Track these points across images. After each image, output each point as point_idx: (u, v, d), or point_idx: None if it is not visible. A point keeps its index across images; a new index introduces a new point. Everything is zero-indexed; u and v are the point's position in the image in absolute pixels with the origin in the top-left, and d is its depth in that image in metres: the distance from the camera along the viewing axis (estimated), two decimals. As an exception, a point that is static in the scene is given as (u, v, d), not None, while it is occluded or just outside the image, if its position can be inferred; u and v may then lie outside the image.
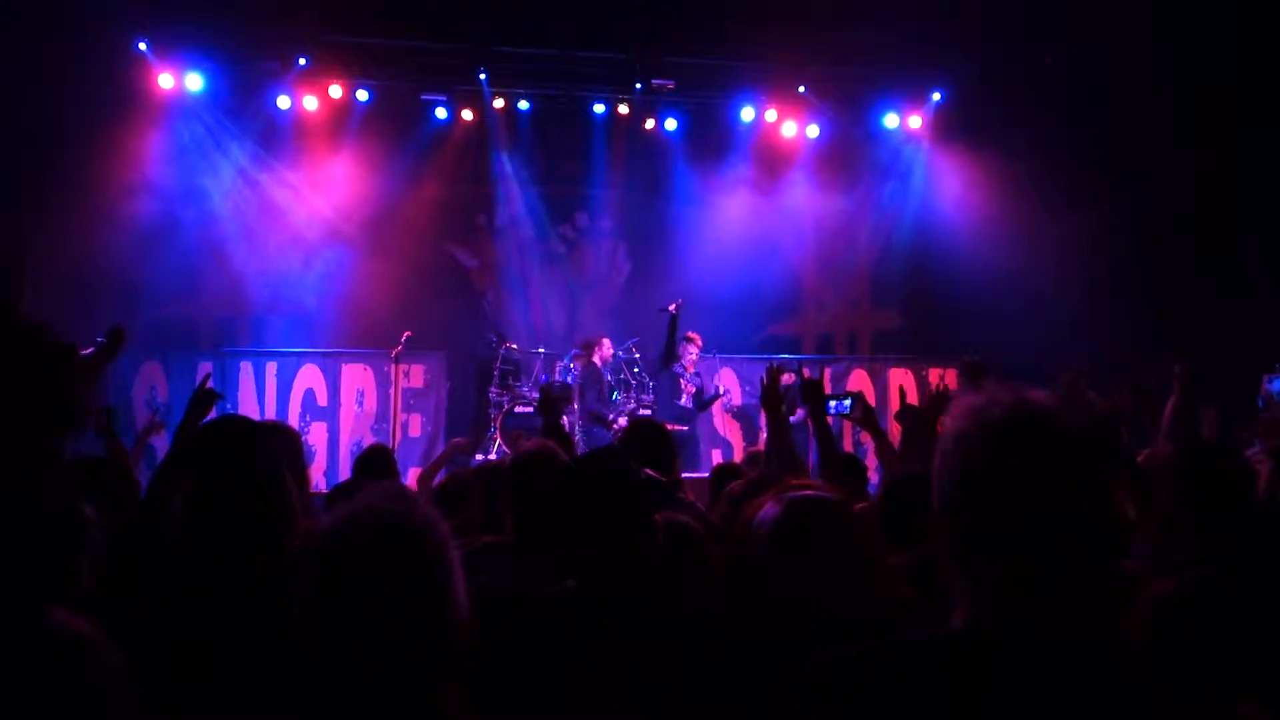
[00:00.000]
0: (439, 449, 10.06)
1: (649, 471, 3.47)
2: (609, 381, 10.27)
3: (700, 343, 10.18)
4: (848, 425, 10.12)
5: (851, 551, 1.99)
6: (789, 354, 11.46)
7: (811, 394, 3.90)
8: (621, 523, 2.29)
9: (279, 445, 2.39)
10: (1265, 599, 2.36)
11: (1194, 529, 2.79)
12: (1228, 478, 2.75)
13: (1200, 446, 2.84)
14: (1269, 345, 8.89)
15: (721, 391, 10.73)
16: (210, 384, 3.63)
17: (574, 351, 10.73)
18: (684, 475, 7.12)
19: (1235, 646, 2.05)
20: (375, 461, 4.70)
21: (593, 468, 2.45)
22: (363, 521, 1.30)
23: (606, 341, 10.22)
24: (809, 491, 2.10)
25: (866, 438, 10.54)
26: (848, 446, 10.50)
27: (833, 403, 4.07)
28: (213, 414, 3.29)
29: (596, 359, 10.11)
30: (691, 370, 10.10)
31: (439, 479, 4.73)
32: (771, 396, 3.86)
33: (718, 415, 11.03)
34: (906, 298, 12.11)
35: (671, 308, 9.99)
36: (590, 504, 2.32)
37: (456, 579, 1.33)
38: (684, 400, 10.03)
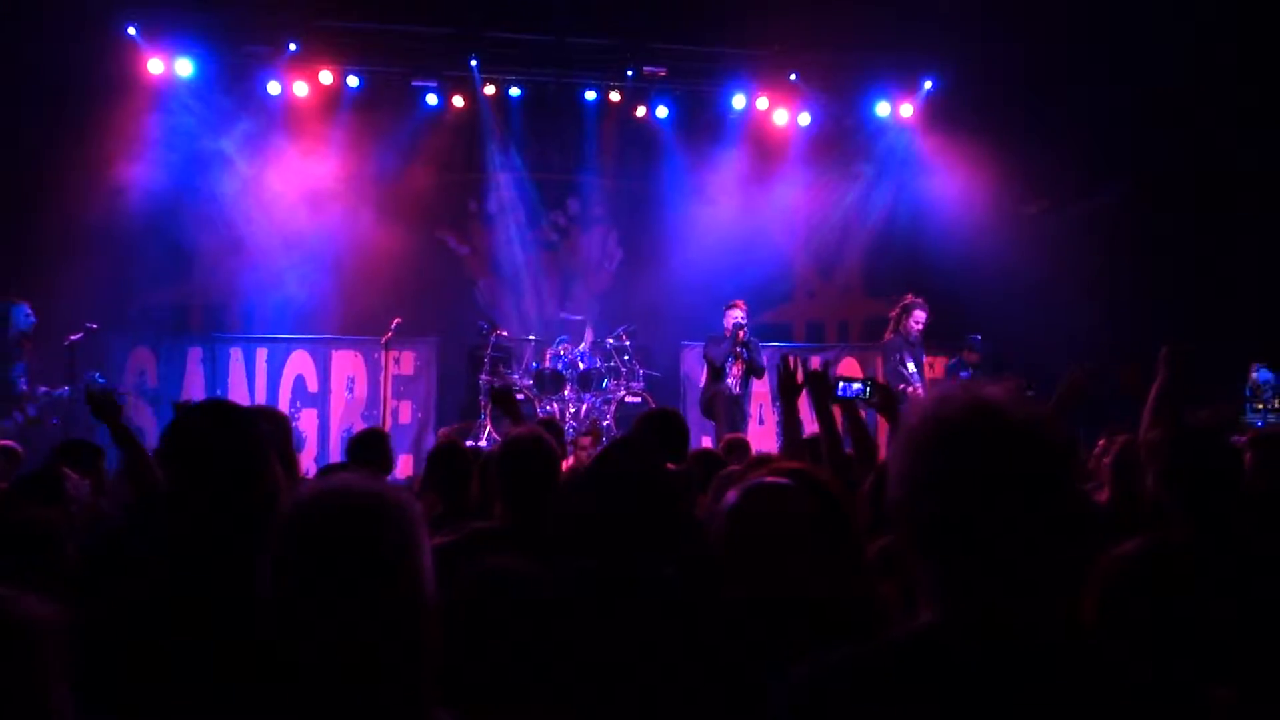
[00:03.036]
0: (429, 436, 10.07)
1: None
2: (897, 357, 8.81)
3: (744, 306, 9.11)
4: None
5: (812, 539, 1.97)
6: (780, 342, 11.47)
7: (816, 385, 3.92)
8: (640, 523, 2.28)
9: (265, 430, 2.39)
10: (1234, 575, 2.39)
11: (1183, 513, 2.81)
12: (1218, 462, 2.76)
13: (1190, 431, 2.84)
14: (1257, 335, 8.93)
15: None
16: (100, 381, 3.61)
17: (563, 338, 10.70)
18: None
19: (1189, 617, 2.06)
20: (369, 444, 4.68)
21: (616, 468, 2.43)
22: (330, 496, 1.30)
23: (918, 313, 8.90)
24: (771, 479, 2.07)
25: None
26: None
27: (841, 383, 4.08)
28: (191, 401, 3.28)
29: (903, 329, 8.91)
30: (742, 337, 8.95)
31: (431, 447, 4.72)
32: (788, 387, 3.88)
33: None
34: (898, 286, 12.09)
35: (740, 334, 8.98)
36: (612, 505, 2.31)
37: (425, 556, 1.33)
38: (730, 381, 8.98)
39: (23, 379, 7.59)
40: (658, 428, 4.05)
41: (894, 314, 8.98)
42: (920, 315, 8.86)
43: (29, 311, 7.74)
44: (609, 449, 2.44)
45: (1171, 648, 2.03)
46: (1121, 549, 2.22)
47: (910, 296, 9.08)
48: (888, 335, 9.03)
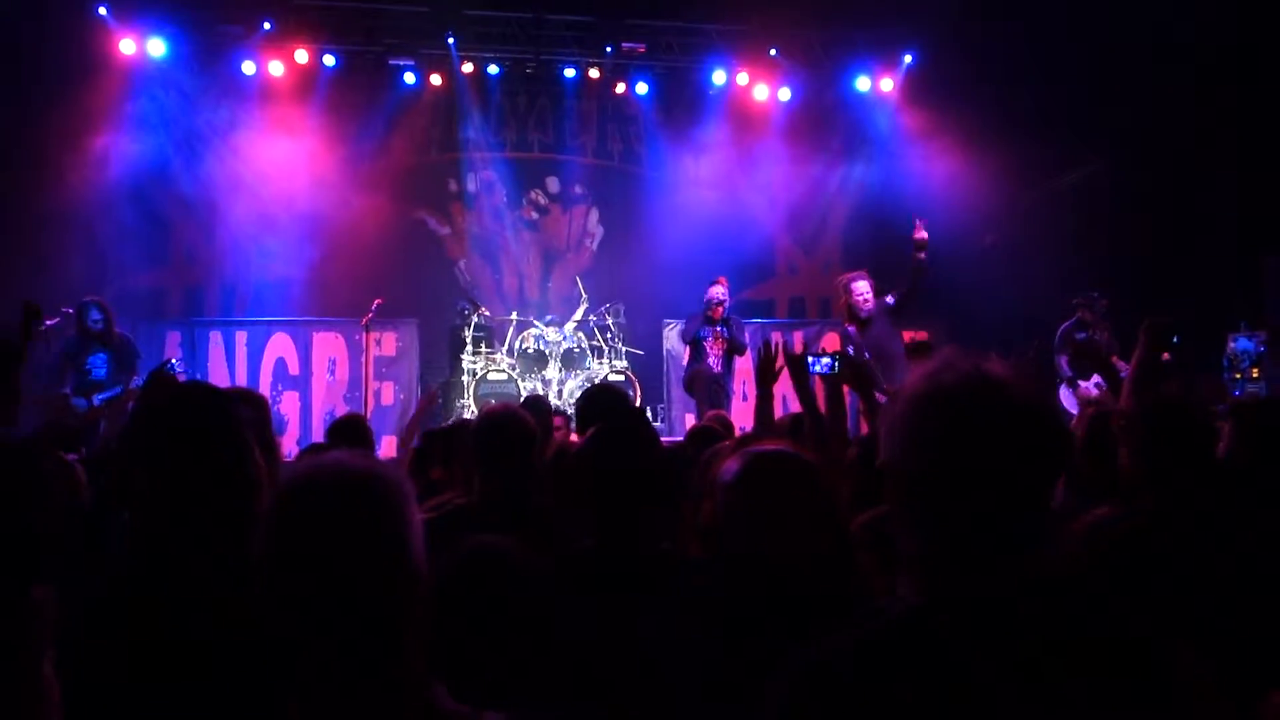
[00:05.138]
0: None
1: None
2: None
3: (725, 283, 8.75)
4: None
5: (811, 507, 2.01)
6: (762, 318, 11.49)
7: (795, 367, 3.92)
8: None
9: (244, 412, 2.38)
10: (1201, 543, 2.41)
11: (1156, 484, 2.83)
12: (1191, 434, 2.78)
13: (1165, 403, 2.86)
14: (1234, 305, 9.01)
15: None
16: (177, 363, 3.61)
17: (551, 318, 10.68)
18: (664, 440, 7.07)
19: (1156, 583, 2.09)
20: (349, 429, 4.66)
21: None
22: (321, 473, 1.31)
23: (856, 285, 7.88)
24: (771, 446, 2.10)
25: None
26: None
27: (810, 359, 4.07)
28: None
29: (853, 310, 7.96)
30: (720, 314, 8.62)
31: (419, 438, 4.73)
32: (765, 371, 3.89)
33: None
34: (878, 261, 12.11)
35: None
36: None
37: (416, 534, 1.34)
38: (711, 360, 8.66)
39: (101, 369, 7.97)
40: (596, 406, 4.02)
41: (840, 303, 8.04)
42: (859, 286, 7.78)
43: (97, 316, 8.02)
44: (599, 444, 2.42)
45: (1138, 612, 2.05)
46: (1091, 516, 2.25)
47: (843, 275, 8.17)
48: (845, 325, 8.08)
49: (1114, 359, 8.24)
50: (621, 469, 2.29)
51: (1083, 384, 8.35)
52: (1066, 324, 8.65)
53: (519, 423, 3.01)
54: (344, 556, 1.27)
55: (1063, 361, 8.53)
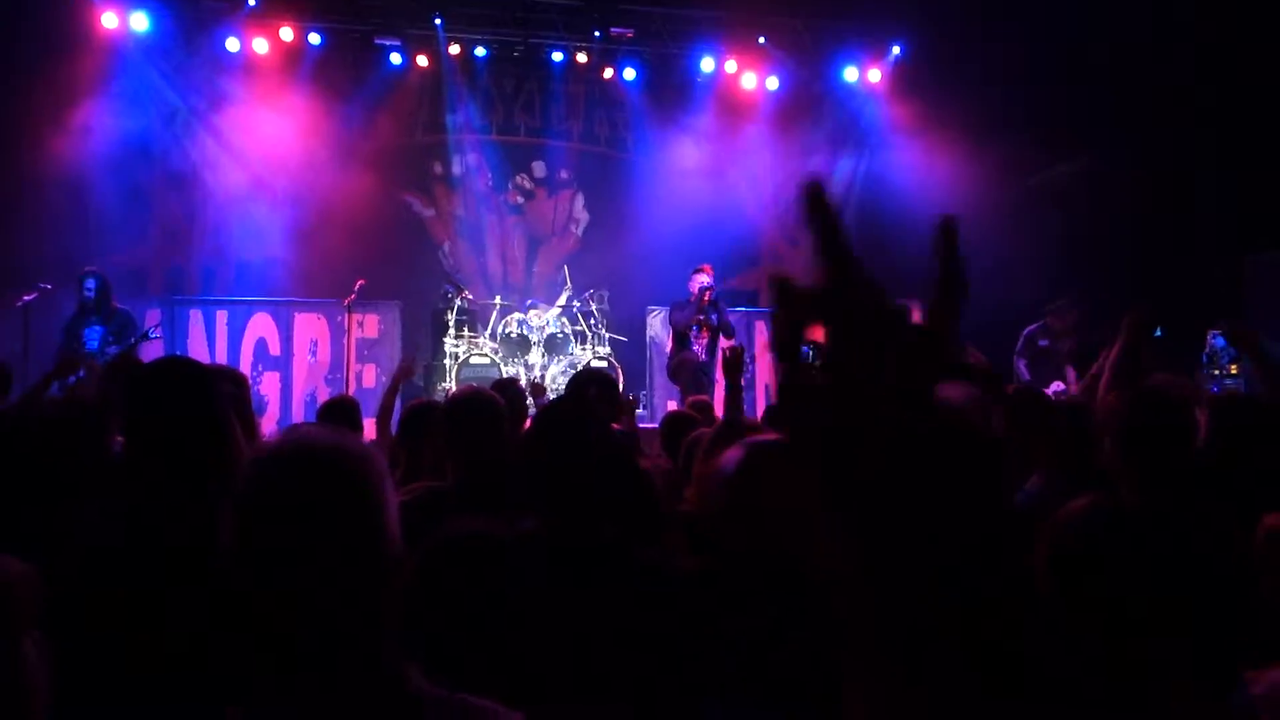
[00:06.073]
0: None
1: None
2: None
3: (710, 271, 8.66)
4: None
5: (809, 496, 2.00)
6: (746, 307, 11.48)
7: (731, 368, 3.95)
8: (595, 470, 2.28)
9: (224, 389, 2.36)
10: (1185, 536, 2.43)
11: (1139, 475, 2.85)
12: (1170, 428, 2.80)
13: (1145, 397, 2.88)
14: (1214, 303, 9.06)
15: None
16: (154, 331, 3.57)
17: (532, 302, 10.67)
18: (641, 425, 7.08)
19: (1140, 575, 2.11)
20: (340, 411, 4.62)
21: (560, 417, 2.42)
22: (287, 447, 1.29)
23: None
24: (773, 436, 2.10)
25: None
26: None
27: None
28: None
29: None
30: (707, 301, 8.57)
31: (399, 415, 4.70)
32: (733, 366, 3.91)
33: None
34: (865, 251, 11.99)
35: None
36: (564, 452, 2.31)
37: (389, 508, 1.32)
38: (696, 348, 8.63)
39: (94, 341, 7.90)
40: (588, 389, 4.03)
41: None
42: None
43: (91, 285, 7.91)
44: (544, 413, 2.41)
45: (1122, 606, 2.07)
46: (1070, 508, 2.26)
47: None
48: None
49: (1070, 370, 8.12)
50: (556, 456, 2.27)
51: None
52: (1031, 328, 8.60)
53: (490, 404, 2.98)
54: (309, 531, 1.25)
55: (1022, 365, 8.54)
